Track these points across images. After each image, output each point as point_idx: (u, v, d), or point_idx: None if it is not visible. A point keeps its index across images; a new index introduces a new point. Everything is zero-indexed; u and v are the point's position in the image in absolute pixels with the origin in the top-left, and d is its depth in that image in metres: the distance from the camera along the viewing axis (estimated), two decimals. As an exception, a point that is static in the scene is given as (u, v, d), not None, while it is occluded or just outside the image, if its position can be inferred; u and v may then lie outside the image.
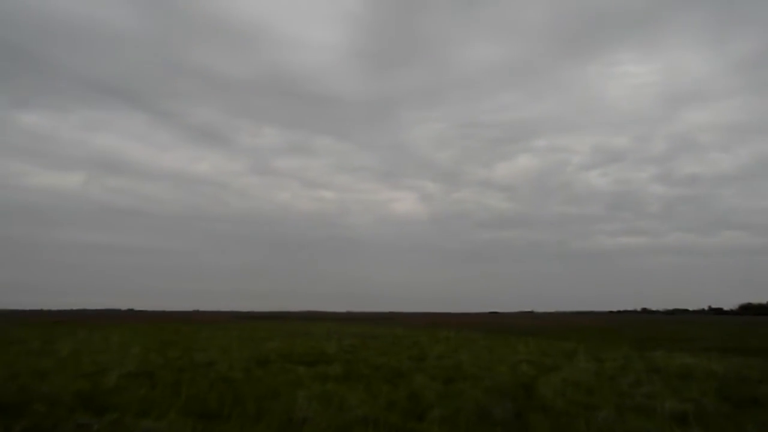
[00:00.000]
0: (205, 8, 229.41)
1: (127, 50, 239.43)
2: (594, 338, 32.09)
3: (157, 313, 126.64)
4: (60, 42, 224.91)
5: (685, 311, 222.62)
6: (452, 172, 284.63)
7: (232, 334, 33.89)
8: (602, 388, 11.73)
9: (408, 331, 39.65)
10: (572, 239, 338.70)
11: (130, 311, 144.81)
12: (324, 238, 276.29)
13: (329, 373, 13.50)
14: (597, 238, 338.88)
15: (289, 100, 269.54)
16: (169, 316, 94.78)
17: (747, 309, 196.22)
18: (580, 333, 39.51)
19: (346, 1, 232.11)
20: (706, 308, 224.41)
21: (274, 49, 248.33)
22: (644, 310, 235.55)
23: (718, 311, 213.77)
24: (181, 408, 9.03)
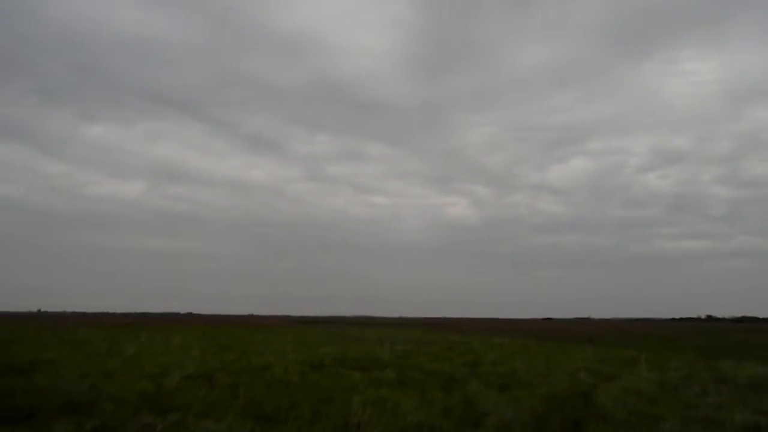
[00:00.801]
0: (257, 19, 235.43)
1: (185, 63, 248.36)
2: (655, 346, 30.92)
3: (214, 316, 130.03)
4: (123, 57, 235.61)
5: (755, 319, 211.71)
6: (504, 176, 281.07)
7: (286, 338, 34.44)
8: (666, 398, 11.29)
9: (461, 337, 39.30)
10: (630, 243, 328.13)
11: (189, 314, 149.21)
12: (376, 244, 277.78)
13: (383, 379, 13.51)
14: (657, 242, 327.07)
15: (340, 106, 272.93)
16: (226, 320, 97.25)
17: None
18: (641, 341, 38.14)
19: (395, 7, 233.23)
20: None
21: (325, 57, 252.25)
22: (709, 318, 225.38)
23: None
24: (240, 410, 9.22)
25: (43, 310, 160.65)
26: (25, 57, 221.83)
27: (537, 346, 28.51)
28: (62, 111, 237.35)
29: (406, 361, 18.55)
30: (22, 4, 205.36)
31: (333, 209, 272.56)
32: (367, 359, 19.01)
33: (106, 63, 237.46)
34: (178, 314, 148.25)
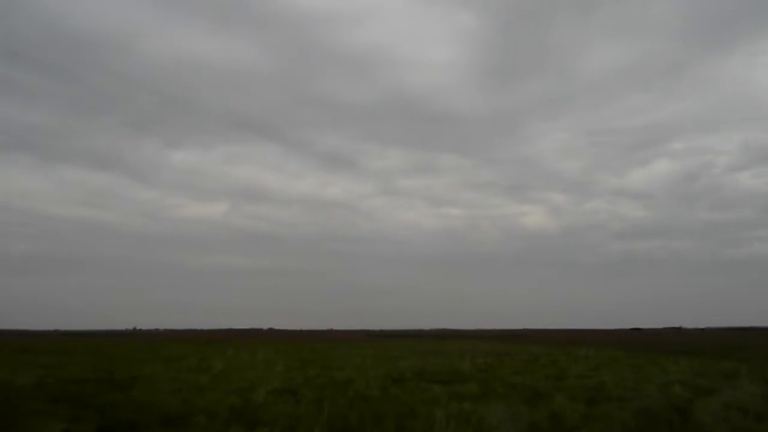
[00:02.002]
0: (326, 40, 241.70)
1: (261, 87, 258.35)
2: (758, 357, 28.77)
3: (295, 332, 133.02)
4: (203, 86, 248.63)
5: None
6: (582, 182, 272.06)
7: (366, 352, 34.72)
8: (773, 413, 10.47)
9: (543, 349, 38.19)
10: (722, 248, 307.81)
11: (271, 330, 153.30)
12: (452, 255, 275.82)
13: (465, 392, 13.34)
14: (753, 245, 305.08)
15: (411, 120, 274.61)
16: (307, 335, 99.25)
17: None
18: (741, 351, 35.60)
19: (461, 20, 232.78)
20: None
21: (395, 73, 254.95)
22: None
23: None
24: (325, 424, 9.37)
25: (138, 327, 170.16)
26: (118, 92, 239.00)
27: (625, 358, 27.25)
28: (151, 140, 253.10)
29: (488, 374, 18.24)
30: (115, 45, 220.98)
31: (407, 223, 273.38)
32: (447, 372, 18.85)
33: (188, 92, 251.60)
34: (260, 330, 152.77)
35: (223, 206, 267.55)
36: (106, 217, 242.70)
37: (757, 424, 9.39)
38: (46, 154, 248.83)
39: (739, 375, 17.94)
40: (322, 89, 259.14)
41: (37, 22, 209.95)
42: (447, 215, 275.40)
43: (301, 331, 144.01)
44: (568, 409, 10.84)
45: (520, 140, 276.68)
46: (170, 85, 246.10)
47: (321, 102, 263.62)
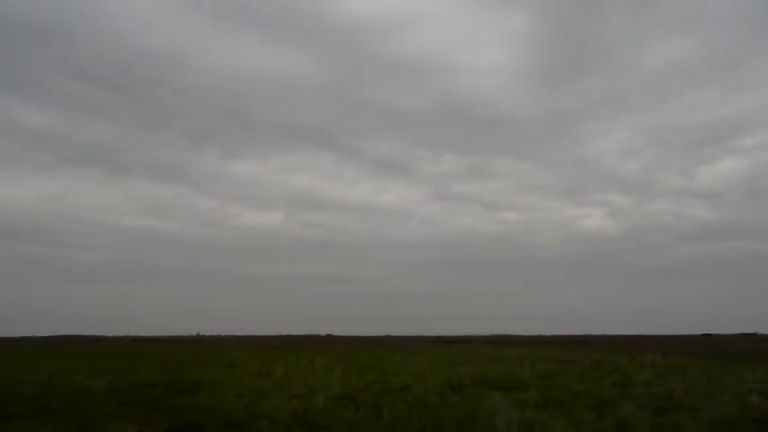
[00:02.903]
0: (377, 48, 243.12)
1: (314, 96, 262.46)
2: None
3: (352, 338, 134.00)
4: (259, 97, 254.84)
5: None
6: (643, 182, 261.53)
7: (423, 358, 34.58)
8: None
9: (606, 355, 36.98)
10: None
11: (329, 336, 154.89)
12: (509, 260, 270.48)
13: (526, 400, 13.09)
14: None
15: (465, 125, 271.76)
16: (364, 341, 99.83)
17: None
18: (823, 358, 33.41)
19: (513, 22, 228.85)
20: None
21: (446, 78, 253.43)
22: None
23: None
24: (384, 430, 9.39)
25: (201, 333, 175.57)
26: (178, 107, 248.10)
27: (695, 365, 26.04)
28: (210, 152, 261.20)
29: (550, 381, 17.82)
30: (174, 61, 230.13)
31: (463, 227, 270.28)
32: (507, 379, 18.53)
33: (244, 104, 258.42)
34: (318, 336, 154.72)
35: (280, 214, 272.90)
36: (170, 226, 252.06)
37: None
38: (114, 167, 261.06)
39: (823, 384, 16.84)
40: (375, 97, 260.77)
41: (102, 42, 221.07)
42: (503, 219, 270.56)
43: (358, 337, 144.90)
44: (636, 418, 10.45)
45: (576, 141, 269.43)
46: (227, 98, 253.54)
47: (374, 109, 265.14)
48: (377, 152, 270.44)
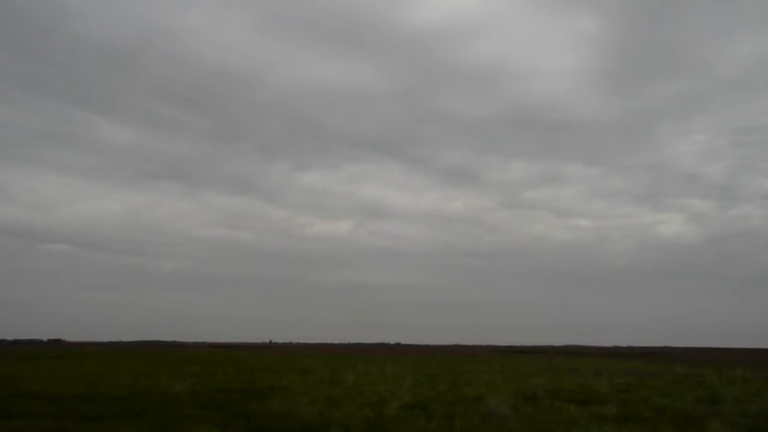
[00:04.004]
0: (444, 56, 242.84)
1: (381, 107, 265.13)
2: None
3: (421, 346, 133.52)
4: (328, 109, 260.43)
5: None
6: (726, 186, 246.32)
7: (495, 368, 33.99)
8: None
9: (689, 369, 35.06)
10: None
11: (398, 344, 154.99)
12: (581, 268, 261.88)
13: (604, 414, 12.59)
14: None
15: (533, 131, 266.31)
16: (433, 350, 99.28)
17: None
18: None
19: (582, 25, 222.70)
20: None
21: (514, 83, 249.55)
22: None
23: None
24: (458, 441, 9.28)
25: (273, 341, 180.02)
26: (250, 120, 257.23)
27: (792, 381, 24.22)
28: (280, 163, 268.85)
29: (629, 395, 17.06)
30: (246, 76, 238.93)
31: (533, 235, 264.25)
32: (583, 392, 17.90)
33: (314, 116, 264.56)
34: (387, 344, 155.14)
35: (349, 224, 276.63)
36: (243, 236, 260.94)
37: None
38: (191, 180, 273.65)
39: None
40: (442, 105, 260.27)
41: (180, 61, 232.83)
42: (575, 226, 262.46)
43: (427, 345, 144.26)
44: (727, 436, 9.84)
45: (651, 145, 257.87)
46: (297, 111, 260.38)
47: (441, 118, 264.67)
48: (445, 161, 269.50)
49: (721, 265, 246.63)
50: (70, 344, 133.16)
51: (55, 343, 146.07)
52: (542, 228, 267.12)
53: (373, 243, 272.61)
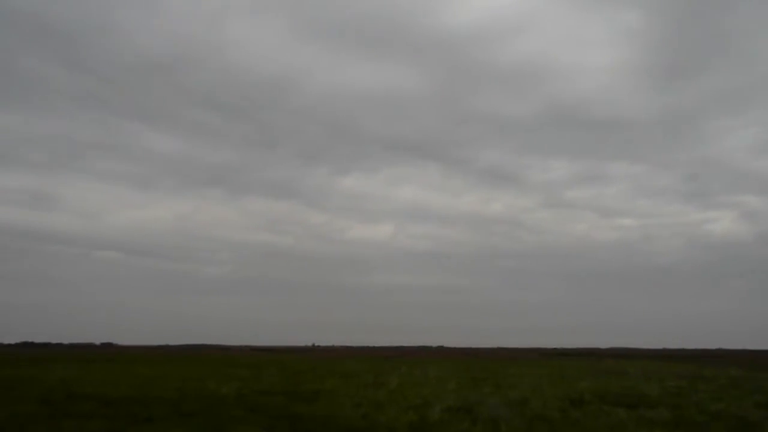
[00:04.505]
0: (481, 57, 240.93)
1: (419, 109, 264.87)
2: None
3: (463, 349, 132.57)
4: (366, 113, 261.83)
5: None
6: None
7: (540, 371, 33.44)
8: None
9: (745, 372, 33.73)
10: None
11: (440, 348, 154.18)
12: (627, 268, 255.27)
13: (655, 419, 12.25)
14: None
15: (574, 129, 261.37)
16: (476, 353, 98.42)
17: None
18: None
19: (624, 19, 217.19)
20: None
21: (554, 82, 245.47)
22: None
23: None
24: (504, 445, 9.17)
25: (316, 344, 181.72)
26: (289, 126, 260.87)
27: None
28: (320, 168, 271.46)
29: (681, 400, 16.53)
30: (285, 83, 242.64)
31: (576, 235, 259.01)
32: (632, 395, 17.43)
33: (352, 121, 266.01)
34: (429, 347, 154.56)
35: (389, 227, 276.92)
36: (284, 241, 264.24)
37: None
38: (233, 187, 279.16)
39: None
40: (480, 106, 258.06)
41: (222, 71, 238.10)
42: (619, 226, 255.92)
43: (469, 348, 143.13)
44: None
45: (699, 140, 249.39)
46: (335, 116, 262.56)
47: (479, 119, 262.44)
48: (484, 161, 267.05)
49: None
50: (121, 348, 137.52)
51: (108, 346, 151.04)
52: (585, 228, 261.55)
53: (413, 245, 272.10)
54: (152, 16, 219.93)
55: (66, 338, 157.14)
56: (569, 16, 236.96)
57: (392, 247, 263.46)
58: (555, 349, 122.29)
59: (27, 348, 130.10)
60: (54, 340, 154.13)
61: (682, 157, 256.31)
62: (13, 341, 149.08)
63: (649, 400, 16.27)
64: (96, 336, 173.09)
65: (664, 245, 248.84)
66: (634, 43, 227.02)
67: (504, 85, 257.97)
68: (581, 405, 14.93)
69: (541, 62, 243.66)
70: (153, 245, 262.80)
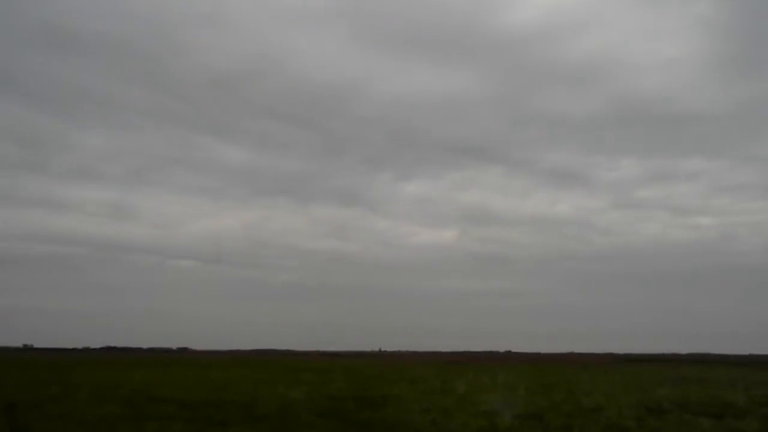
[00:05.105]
0: (544, 56, 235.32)
1: (481, 112, 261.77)
2: None
3: (532, 354, 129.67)
4: (427, 118, 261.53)
5: None
6: None
7: (614, 377, 32.25)
8: None
9: (844, 380, 31.27)
10: None
11: (508, 352, 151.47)
12: (704, 269, 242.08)
13: (744, 429, 11.56)
14: None
15: (643, 126, 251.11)
16: (545, 358, 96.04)
17: None
18: None
19: (695, 10, 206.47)
20: None
21: (620, 77, 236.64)
22: None
23: None
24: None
25: (382, 349, 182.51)
26: (353, 134, 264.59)
27: None
28: (384, 174, 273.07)
29: (771, 409, 15.51)
30: (347, 92, 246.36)
31: (648, 236, 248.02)
32: (716, 404, 16.50)
33: (414, 126, 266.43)
34: (497, 352, 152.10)
35: (454, 231, 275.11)
36: (350, 247, 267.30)
37: None
38: (300, 195, 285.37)
39: None
40: (544, 105, 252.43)
41: (286, 82, 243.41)
42: (695, 225, 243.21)
43: (539, 353, 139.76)
44: None
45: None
46: (398, 122, 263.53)
47: (543, 119, 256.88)
48: (549, 162, 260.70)
49: None
50: (196, 352, 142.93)
51: (183, 351, 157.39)
52: (658, 228, 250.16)
53: (478, 249, 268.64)
54: (219, 35, 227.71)
55: (145, 343, 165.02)
56: (635, 9, 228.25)
57: (457, 252, 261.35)
58: (628, 354, 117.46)
59: (110, 352, 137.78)
60: (134, 345, 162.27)
61: (763, 151, 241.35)
62: (97, 345, 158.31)
63: (736, 409, 15.37)
64: (173, 341, 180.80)
65: (745, 244, 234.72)
66: (705, 33, 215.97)
67: (568, 83, 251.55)
68: (660, 414, 14.29)
69: (607, 58, 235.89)
70: (224, 253, 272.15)
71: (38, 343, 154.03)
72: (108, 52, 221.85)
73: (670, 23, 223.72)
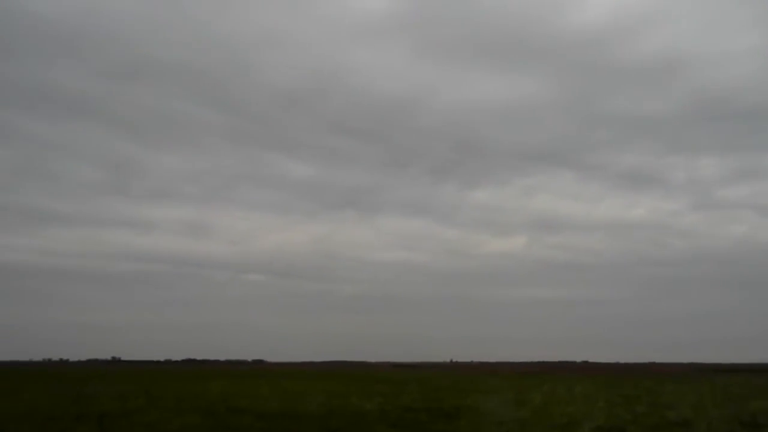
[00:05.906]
0: (610, 57, 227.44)
1: (547, 116, 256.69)
2: None
3: (611, 365, 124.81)
4: (493, 125, 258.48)
5: None
6: None
7: (701, 388, 30.47)
8: None
9: None
10: None
11: (585, 363, 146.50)
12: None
13: None
14: None
15: (722, 122, 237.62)
16: (625, 368, 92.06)
17: None
18: None
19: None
20: None
21: (695, 74, 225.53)
22: None
23: None
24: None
25: (454, 360, 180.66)
26: (417, 145, 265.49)
27: None
28: (450, 184, 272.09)
29: None
30: (411, 104, 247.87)
31: (733, 238, 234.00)
32: (819, 418, 15.26)
33: (479, 134, 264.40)
34: (573, 363, 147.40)
35: (523, 238, 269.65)
36: (419, 258, 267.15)
37: None
38: (367, 207, 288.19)
39: None
40: (614, 107, 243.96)
41: (351, 96, 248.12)
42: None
43: (617, 363, 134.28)
44: None
45: None
46: (462, 130, 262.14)
47: (614, 120, 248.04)
48: (622, 165, 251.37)
49: None
50: (270, 364, 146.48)
51: (258, 363, 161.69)
52: (744, 229, 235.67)
53: (549, 257, 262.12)
54: (285, 54, 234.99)
55: (221, 355, 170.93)
56: (705, 2, 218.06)
57: (528, 259, 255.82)
58: (715, 364, 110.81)
59: (189, 364, 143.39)
60: (212, 357, 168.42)
61: None
62: (178, 358, 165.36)
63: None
64: (248, 353, 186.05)
65: None
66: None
67: (638, 83, 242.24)
68: (755, 428, 13.36)
69: (679, 54, 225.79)
70: (294, 267, 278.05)
71: (125, 356, 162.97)
72: (183, 78, 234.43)
73: (743, 13, 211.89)
